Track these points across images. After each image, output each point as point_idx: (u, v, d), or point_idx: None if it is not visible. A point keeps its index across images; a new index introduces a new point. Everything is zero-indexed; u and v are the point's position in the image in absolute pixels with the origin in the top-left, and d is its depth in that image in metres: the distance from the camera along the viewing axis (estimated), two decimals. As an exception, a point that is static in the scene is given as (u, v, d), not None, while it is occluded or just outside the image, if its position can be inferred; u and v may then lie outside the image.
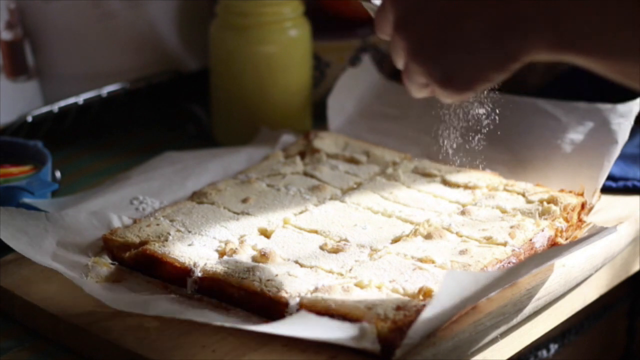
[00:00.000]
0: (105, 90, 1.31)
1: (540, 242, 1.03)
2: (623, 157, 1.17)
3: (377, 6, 0.91)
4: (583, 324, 1.18)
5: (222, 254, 1.01)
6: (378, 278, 0.96)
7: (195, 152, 1.24)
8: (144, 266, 1.01)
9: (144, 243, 1.02)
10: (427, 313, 0.87)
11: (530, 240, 1.02)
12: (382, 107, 1.30)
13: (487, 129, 1.02)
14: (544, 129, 1.20)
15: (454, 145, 1.03)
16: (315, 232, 1.05)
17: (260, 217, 1.08)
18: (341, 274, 0.98)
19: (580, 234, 1.06)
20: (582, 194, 1.09)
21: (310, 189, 1.14)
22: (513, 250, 1.00)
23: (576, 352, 1.19)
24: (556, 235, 1.04)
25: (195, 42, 1.38)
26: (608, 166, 1.12)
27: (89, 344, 0.95)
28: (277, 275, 0.96)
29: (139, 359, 0.91)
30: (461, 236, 1.03)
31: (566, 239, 1.05)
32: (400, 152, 1.21)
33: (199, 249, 1.02)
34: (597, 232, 1.02)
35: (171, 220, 1.07)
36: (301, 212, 1.09)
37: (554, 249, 1.02)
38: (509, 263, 0.99)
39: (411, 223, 1.06)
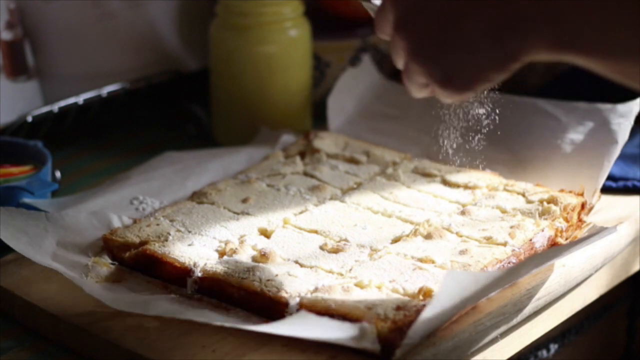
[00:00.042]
0: (105, 90, 1.31)
1: (540, 242, 1.03)
2: (623, 157, 1.17)
3: (377, 6, 0.91)
4: (583, 324, 1.18)
5: (222, 254, 1.01)
6: (378, 278, 0.96)
7: (195, 152, 1.24)
8: (144, 266, 1.01)
9: (144, 243, 1.02)
10: (427, 313, 0.87)
11: (530, 240, 1.02)
12: (382, 107, 1.30)
13: (487, 129, 1.02)
14: (544, 129, 1.20)
15: (454, 145, 1.03)
16: (315, 232, 1.05)
17: (260, 217, 1.08)
18: (341, 274, 0.98)
19: (580, 234, 1.06)
20: (582, 194, 1.09)
21: (310, 189, 1.13)
22: (513, 250, 1.00)
23: (576, 352, 1.19)
24: (556, 235, 1.04)
25: (195, 42, 1.38)
26: (608, 166, 1.12)
27: (89, 344, 0.94)
28: (277, 275, 0.96)
29: (139, 359, 0.91)
30: (461, 236, 1.03)
31: (566, 239, 1.05)
32: (400, 152, 1.21)
33: (199, 249, 1.02)
34: (597, 232, 1.02)
35: (171, 220, 1.07)
36: (301, 212, 1.09)
37: (554, 249, 1.02)
38: (509, 263, 0.99)
39: (411, 223, 1.06)
